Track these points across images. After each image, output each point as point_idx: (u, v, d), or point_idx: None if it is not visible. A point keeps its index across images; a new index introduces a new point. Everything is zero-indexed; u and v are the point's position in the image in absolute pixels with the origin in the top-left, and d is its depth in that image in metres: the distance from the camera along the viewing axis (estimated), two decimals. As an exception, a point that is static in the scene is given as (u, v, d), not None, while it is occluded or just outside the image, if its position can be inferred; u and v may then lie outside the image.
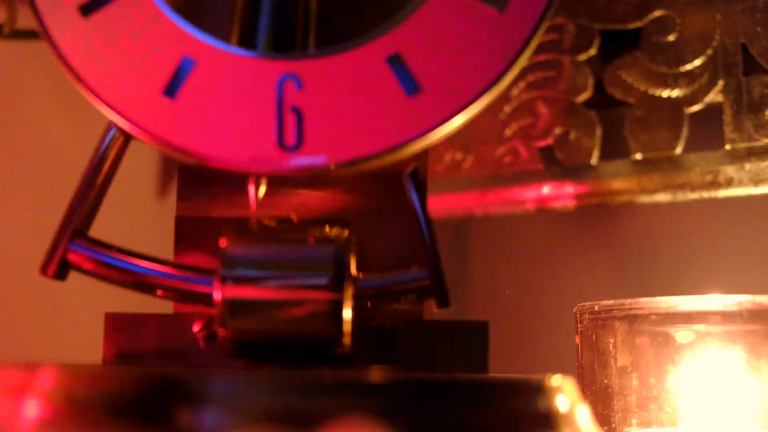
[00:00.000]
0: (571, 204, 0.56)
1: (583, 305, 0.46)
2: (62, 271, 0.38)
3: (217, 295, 0.36)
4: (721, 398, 0.43)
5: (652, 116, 0.54)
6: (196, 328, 0.39)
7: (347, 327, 0.36)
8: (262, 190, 0.38)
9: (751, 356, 0.43)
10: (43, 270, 0.38)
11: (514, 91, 0.58)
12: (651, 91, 0.54)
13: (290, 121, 0.37)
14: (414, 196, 0.39)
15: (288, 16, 0.41)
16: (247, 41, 0.41)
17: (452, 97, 0.37)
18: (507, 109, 0.58)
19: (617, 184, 0.55)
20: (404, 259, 0.40)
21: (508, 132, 0.58)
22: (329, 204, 0.41)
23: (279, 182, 0.40)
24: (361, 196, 0.41)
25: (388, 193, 0.41)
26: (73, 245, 0.38)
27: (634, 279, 0.58)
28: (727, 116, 0.52)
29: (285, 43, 0.40)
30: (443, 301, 0.38)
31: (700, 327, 0.44)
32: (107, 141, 0.38)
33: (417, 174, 0.39)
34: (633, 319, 0.44)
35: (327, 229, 0.38)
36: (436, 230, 0.39)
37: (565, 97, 0.56)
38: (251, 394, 0.31)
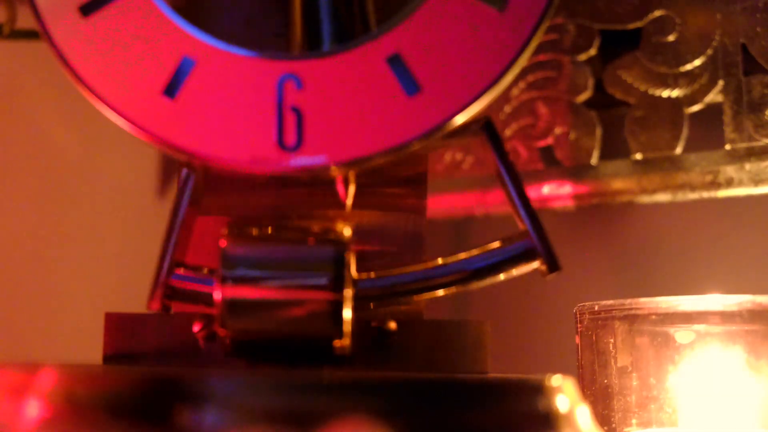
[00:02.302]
0: (571, 204, 0.56)
1: (583, 305, 0.46)
2: (168, 303, 0.38)
3: (217, 295, 0.36)
4: (721, 398, 0.43)
5: (652, 116, 0.54)
6: (196, 328, 0.39)
7: (347, 327, 0.36)
8: (352, 189, 0.38)
9: (751, 356, 0.43)
10: (150, 305, 0.38)
11: (514, 91, 0.58)
12: (651, 91, 0.54)
13: (290, 121, 0.37)
14: (495, 152, 0.38)
15: (346, 12, 0.41)
16: (312, 43, 0.40)
17: (452, 97, 0.37)
18: (507, 109, 0.58)
19: (617, 184, 0.55)
20: (404, 259, 0.40)
21: (508, 132, 0.58)
22: (329, 204, 0.41)
23: (279, 182, 0.40)
24: (362, 196, 0.41)
25: (389, 193, 0.41)
26: (176, 276, 0.38)
27: (634, 279, 0.58)
28: (727, 116, 0.52)
29: (349, 37, 0.40)
30: (553, 264, 0.38)
31: (700, 327, 0.44)
32: (183, 179, 0.38)
33: (492, 126, 0.38)
34: (633, 319, 0.44)
35: (327, 229, 0.38)
36: (435, 230, 0.39)
37: (565, 97, 0.56)
38: (251, 394, 0.31)
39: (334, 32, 0.40)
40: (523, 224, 0.38)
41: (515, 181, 0.38)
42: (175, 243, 0.38)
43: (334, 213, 0.40)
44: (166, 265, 0.38)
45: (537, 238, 0.38)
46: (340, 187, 0.38)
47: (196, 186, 0.38)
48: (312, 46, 0.41)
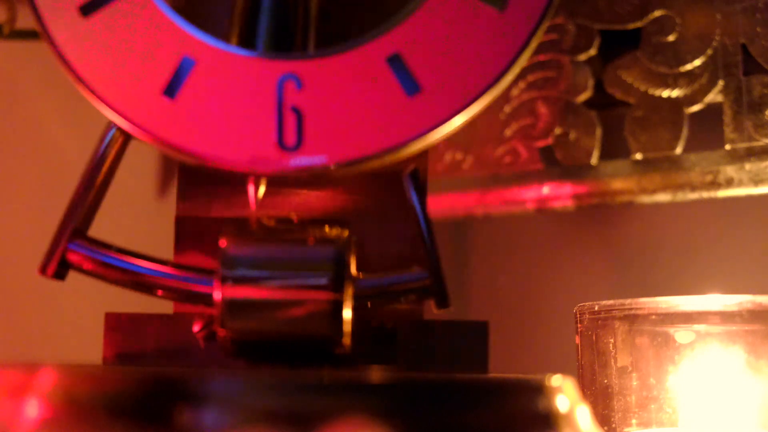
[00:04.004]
0: (571, 204, 0.56)
1: (583, 305, 0.46)
2: (62, 270, 0.38)
3: (217, 295, 0.36)
4: (721, 398, 0.43)
5: (652, 116, 0.54)
6: (196, 328, 0.39)
7: (347, 327, 0.36)
8: (262, 190, 0.38)
9: (751, 356, 0.43)
10: (43, 270, 0.38)
11: (514, 91, 0.58)
12: (651, 91, 0.54)
13: (290, 121, 0.37)
14: (414, 197, 0.39)
15: (288, 16, 0.41)
16: (247, 42, 0.41)
17: (452, 97, 0.37)
18: (507, 109, 0.58)
19: (617, 184, 0.55)
20: (404, 259, 0.40)
21: (508, 132, 0.58)
22: (329, 204, 0.41)
23: (279, 182, 0.40)
24: (361, 196, 0.41)
25: (388, 193, 0.41)
26: (73, 245, 0.38)
27: (634, 279, 0.58)
28: (727, 116, 0.52)
29: (285, 43, 0.40)
30: (443, 302, 0.38)
31: (700, 327, 0.44)
32: (107, 141, 0.38)
33: (417, 174, 0.39)
34: (633, 319, 0.44)
35: (327, 229, 0.38)
36: (436, 230, 0.39)
37: (565, 97, 0.56)
38: (251, 394, 0.31)
39: (269, 35, 0.40)
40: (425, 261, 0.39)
41: (428, 225, 0.39)
42: (82, 208, 0.38)
43: (334, 213, 0.40)
44: (67, 230, 0.38)
45: (432, 277, 0.38)
46: (250, 188, 0.38)
47: (121, 152, 0.38)
48: (246, 45, 0.40)
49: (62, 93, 0.57)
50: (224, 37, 0.39)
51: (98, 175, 0.39)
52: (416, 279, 0.38)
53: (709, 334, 0.44)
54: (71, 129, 0.62)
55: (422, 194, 0.39)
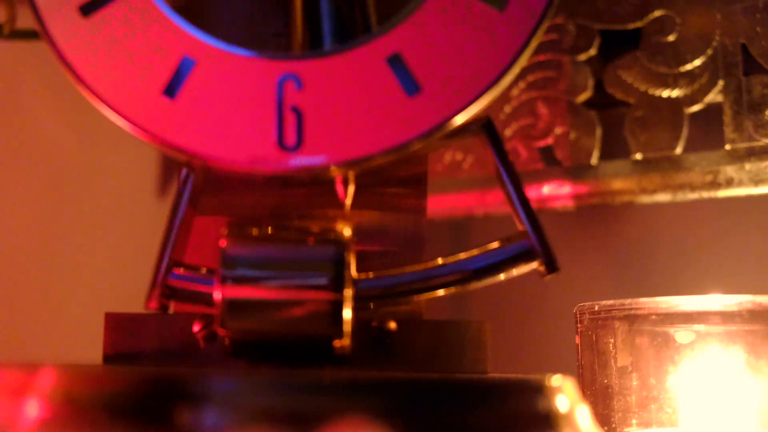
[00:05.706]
0: (571, 204, 0.56)
1: (583, 305, 0.46)
2: (166, 302, 0.38)
3: (217, 295, 0.36)
4: (721, 398, 0.43)
5: (652, 116, 0.54)
6: (196, 328, 0.39)
7: (347, 327, 0.36)
8: (352, 189, 0.38)
9: (751, 356, 0.43)
10: (148, 304, 0.38)
11: (514, 91, 0.58)
12: (651, 91, 0.54)
13: (290, 121, 0.37)
14: (495, 152, 0.38)
15: (346, 11, 0.41)
16: (314, 41, 0.40)
17: (452, 97, 0.37)
18: (507, 109, 0.58)
19: (617, 184, 0.55)
20: (405, 259, 0.40)
21: (508, 132, 0.58)
22: (329, 204, 0.41)
23: (279, 182, 0.40)
24: (362, 197, 0.41)
25: (389, 193, 0.41)
26: (174, 276, 0.38)
27: (634, 279, 0.58)
28: (727, 116, 0.52)
29: (350, 36, 0.40)
30: (552, 265, 0.37)
31: (700, 327, 0.44)
32: (183, 179, 0.38)
33: (491, 125, 0.38)
34: (633, 319, 0.44)
35: (327, 229, 0.38)
36: (434, 230, 0.39)
37: (565, 97, 0.56)
38: (251, 394, 0.31)
39: (335, 32, 0.40)
40: (522, 225, 0.38)
41: (515, 181, 0.38)
42: (173, 243, 0.38)
43: (334, 213, 0.40)
44: (164, 264, 0.38)
45: (536, 239, 0.38)
46: (339, 188, 0.38)
47: (196, 186, 0.38)
48: (313, 46, 0.41)
49: (62, 93, 0.57)
50: (225, 37, 0.39)
51: (181, 210, 0.38)
52: (521, 248, 0.38)
53: (709, 334, 0.44)
54: (71, 129, 0.62)
55: (501, 147, 0.38)
